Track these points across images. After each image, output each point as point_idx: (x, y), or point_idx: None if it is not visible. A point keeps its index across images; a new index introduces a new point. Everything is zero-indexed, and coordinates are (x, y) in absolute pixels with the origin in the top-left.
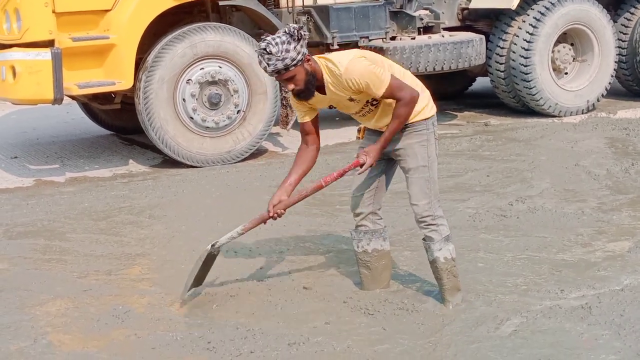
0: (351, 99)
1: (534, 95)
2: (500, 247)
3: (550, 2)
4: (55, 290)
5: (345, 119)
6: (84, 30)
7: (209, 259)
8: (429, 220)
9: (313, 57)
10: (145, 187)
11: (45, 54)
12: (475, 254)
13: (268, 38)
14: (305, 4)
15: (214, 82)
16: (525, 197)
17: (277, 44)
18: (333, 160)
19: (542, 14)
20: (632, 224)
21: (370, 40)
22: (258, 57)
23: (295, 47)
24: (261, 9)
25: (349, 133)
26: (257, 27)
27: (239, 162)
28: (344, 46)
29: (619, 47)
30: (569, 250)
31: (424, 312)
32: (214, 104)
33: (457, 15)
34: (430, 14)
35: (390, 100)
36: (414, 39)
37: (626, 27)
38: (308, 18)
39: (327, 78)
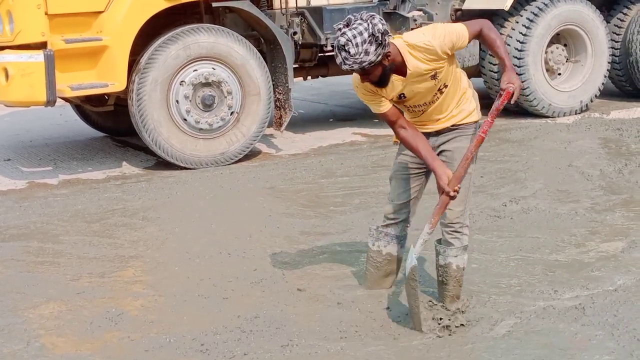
0: (434, 75)
1: (527, 96)
2: (494, 247)
3: (543, 3)
4: (48, 292)
5: (338, 120)
6: (76, 31)
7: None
8: (457, 227)
9: (392, 43)
10: (138, 189)
11: (38, 56)
12: (469, 254)
13: (348, 34)
14: (298, 5)
15: (207, 84)
16: (519, 197)
17: (357, 44)
18: (327, 162)
19: (535, 14)
20: (625, 224)
21: None
22: (335, 50)
23: (375, 50)
24: (254, 11)
25: (342, 134)
26: (251, 29)
27: (232, 163)
28: None
29: (612, 47)
30: (562, 250)
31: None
32: (207, 106)
33: (451, 17)
34: (423, 15)
35: (452, 87)
36: None
37: (619, 27)
38: (301, 19)
39: (411, 61)
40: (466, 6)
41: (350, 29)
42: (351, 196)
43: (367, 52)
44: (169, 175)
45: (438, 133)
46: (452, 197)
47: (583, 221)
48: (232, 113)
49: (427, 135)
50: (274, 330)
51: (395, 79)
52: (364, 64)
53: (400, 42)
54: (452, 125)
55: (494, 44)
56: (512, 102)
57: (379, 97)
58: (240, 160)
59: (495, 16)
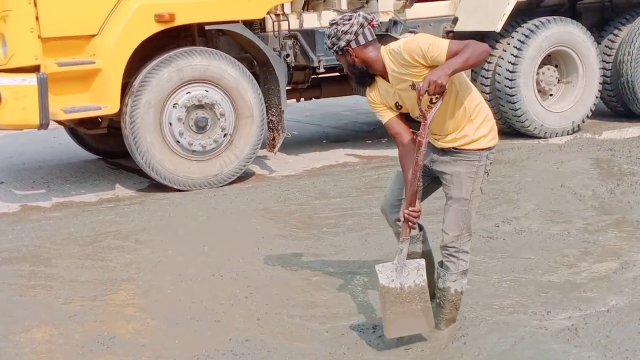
0: (413, 85)
1: (519, 116)
2: (486, 268)
3: (534, 25)
4: (40, 316)
5: (332, 142)
6: (70, 55)
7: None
8: (452, 251)
9: (375, 45)
10: (131, 211)
11: (31, 79)
12: None
13: (338, 19)
14: (291, 28)
15: (200, 106)
16: (512, 218)
17: (334, 29)
18: (320, 183)
19: (527, 36)
20: (617, 244)
21: None
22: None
23: (332, 41)
24: (247, 33)
25: (335, 156)
26: (244, 51)
27: (225, 185)
28: (330, 70)
29: (603, 68)
30: (555, 271)
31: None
32: (200, 128)
33: (443, 37)
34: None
35: (452, 105)
36: None
37: (610, 48)
38: (294, 42)
39: (389, 64)
40: (458, 28)
41: (335, 19)
42: (344, 217)
43: (331, 36)
44: (162, 198)
45: (443, 152)
46: (410, 225)
47: (575, 242)
48: (225, 135)
49: (432, 149)
50: (265, 354)
51: (382, 82)
52: (328, 44)
53: (384, 48)
54: (453, 148)
55: (462, 53)
56: (421, 96)
57: (380, 107)
58: (233, 182)
59: (486, 38)
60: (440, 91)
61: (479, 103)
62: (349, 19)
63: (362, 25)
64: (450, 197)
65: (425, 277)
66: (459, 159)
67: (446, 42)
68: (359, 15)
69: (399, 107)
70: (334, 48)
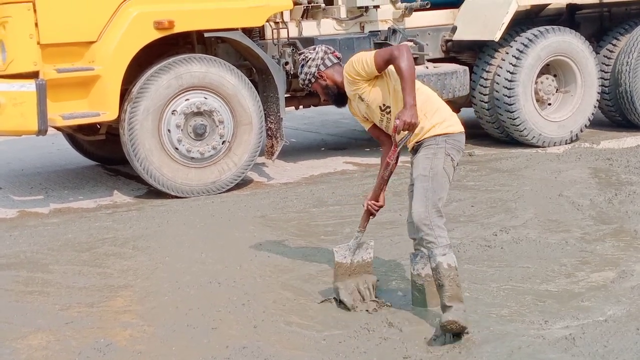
0: (362, 98)
1: (517, 126)
2: (484, 277)
3: (533, 34)
4: (36, 322)
5: (330, 149)
6: (69, 61)
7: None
8: (425, 228)
9: (339, 66)
10: (129, 218)
11: (30, 86)
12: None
13: (304, 51)
14: (290, 35)
15: (199, 113)
16: (510, 227)
17: (300, 67)
18: (318, 190)
19: (525, 45)
20: (615, 254)
21: None
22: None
23: (303, 73)
24: (246, 41)
25: (334, 163)
26: (243, 59)
27: (224, 192)
28: None
29: (601, 78)
30: (552, 280)
31: (411, 340)
32: (199, 135)
33: (441, 47)
34: (414, 45)
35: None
36: None
37: (609, 58)
38: (293, 49)
39: (345, 85)
40: (457, 37)
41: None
42: (342, 225)
43: (301, 70)
44: (160, 204)
45: (414, 150)
46: (370, 214)
47: (573, 251)
48: (223, 142)
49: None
50: None
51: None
52: (301, 79)
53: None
54: (416, 142)
55: (400, 77)
56: (397, 135)
57: (359, 117)
58: (231, 189)
59: (485, 47)
60: (413, 128)
61: (429, 99)
62: (314, 49)
63: (325, 52)
64: (413, 178)
65: (372, 255)
66: (418, 148)
67: (372, 55)
68: (321, 45)
69: (366, 117)
70: (307, 77)
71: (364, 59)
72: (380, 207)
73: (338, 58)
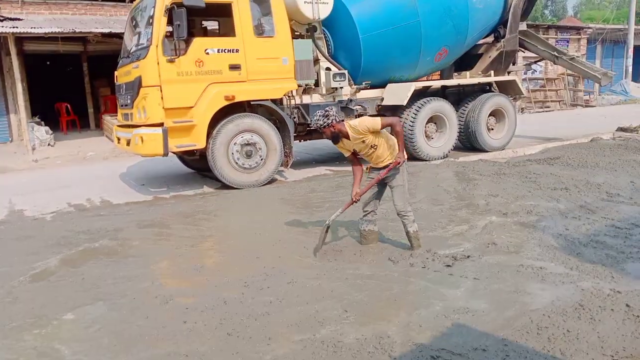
0: (363, 141)
1: (415, 149)
2: (400, 229)
3: (423, 102)
4: (163, 255)
5: (317, 163)
6: (179, 117)
7: (326, 231)
8: (404, 213)
9: (343, 122)
10: (212, 199)
11: (159, 130)
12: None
13: (318, 112)
14: (295, 103)
15: (248, 144)
16: (412, 202)
17: (319, 116)
18: (312, 184)
19: (419, 107)
20: (466, 217)
21: None
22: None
23: (324, 121)
24: (273, 106)
25: (319, 170)
26: (271, 115)
27: (262, 186)
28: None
29: (459, 124)
30: (433, 230)
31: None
32: (248, 156)
33: (376, 109)
34: (361, 108)
35: (382, 149)
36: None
37: (463, 113)
38: (297, 110)
39: (350, 132)
40: (384, 103)
41: (319, 110)
42: (324, 202)
43: (319, 120)
44: (227, 192)
45: (383, 168)
46: (355, 202)
47: (445, 215)
48: (261, 159)
49: (377, 169)
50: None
51: (345, 141)
52: (318, 124)
53: (347, 123)
54: (386, 165)
55: (396, 136)
56: (395, 167)
57: (345, 150)
58: (266, 184)
59: (399, 107)
60: (401, 162)
61: (395, 142)
62: (330, 109)
63: (336, 112)
64: (393, 186)
65: (329, 221)
66: (384, 167)
67: (379, 120)
68: (333, 108)
69: (355, 151)
70: (324, 124)
71: (373, 122)
72: (359, 199)
73: (342, 118)
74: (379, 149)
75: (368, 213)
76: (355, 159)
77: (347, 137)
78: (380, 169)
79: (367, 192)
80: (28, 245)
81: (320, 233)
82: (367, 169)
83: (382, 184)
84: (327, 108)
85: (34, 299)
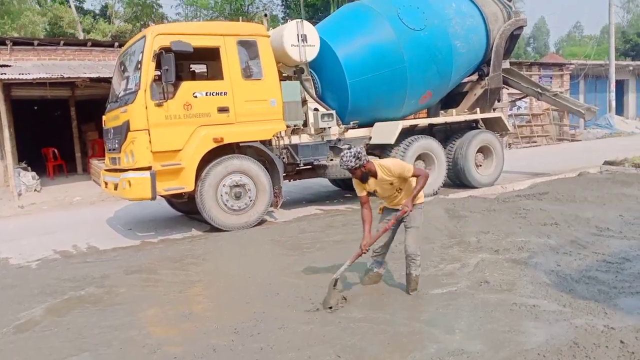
0: (391, 183)
1: None
2: (395, 269)
3: (411, 140)
4: (150, 302)
5: (307, 202)
6: (167, 160)
7: (334, 285)
8: (413, 256)
9: (371, 161)
10: (200, 242)
11: (147, 174)
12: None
13: (346, 152)
14: (284, 143)
15: (237, 185)
16: (402, 241)
17: (349, 157)
18: (302, 225)
19: (407, 145)
20: (458, 255)
21: (319, 161)
22: (341, 156)
23: (355, 162)
24: (263, 147)
25: (309, 210)
26: (260, 155)
27: (251, 227)
28: (308, 164)
29: (447, 161)
30: (425, 269)
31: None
32: (237, 197)
33: (365, 147)
34: (349, 147)
35: (406, 190)
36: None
37: (450, 151)
38: (286, 150)
39: (379, 172)
40: (372, 142)
41: (348, 151)
42: (315, 243)
43: (351, 162)
44: (217, 235)
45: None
46: (364, 253)
47: (437, 254)
48: (251, 201)
49: (393, 210)
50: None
51: (371, 180)
52: (349, 166)
53: (377, 161)
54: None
55: (418, 184)
56: (405, 215)
57: (362, 188)
58: (255, 226)
59: (387, 145)
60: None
61: (413, 185)
62: (360, 151)
63: (364, 153)
64: (409, 226)
65: (337, 275)
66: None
67: (411, 167)
68: (361, 148)
69: (374, 193)
70: (357, 165)
71: (406, 169)
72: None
73: (367, 158)
74: (402, 192)
75: (380, 254)
76: (368, 201)
77: (375, 176)
78: (397, 210)
79: (389, 235)
80: (12, 295)
81: (329, 288)
82: (380, 210)
83: (397, 227)
84: (357, 149)
85: (19, 351)
